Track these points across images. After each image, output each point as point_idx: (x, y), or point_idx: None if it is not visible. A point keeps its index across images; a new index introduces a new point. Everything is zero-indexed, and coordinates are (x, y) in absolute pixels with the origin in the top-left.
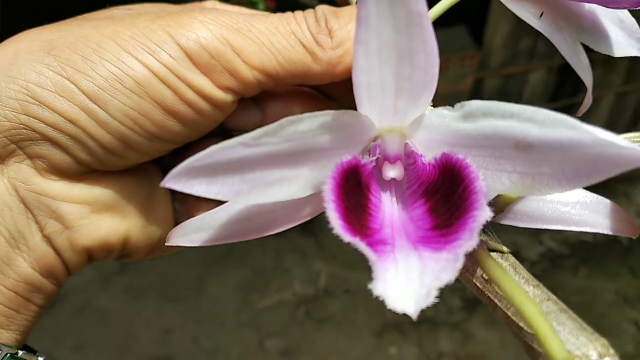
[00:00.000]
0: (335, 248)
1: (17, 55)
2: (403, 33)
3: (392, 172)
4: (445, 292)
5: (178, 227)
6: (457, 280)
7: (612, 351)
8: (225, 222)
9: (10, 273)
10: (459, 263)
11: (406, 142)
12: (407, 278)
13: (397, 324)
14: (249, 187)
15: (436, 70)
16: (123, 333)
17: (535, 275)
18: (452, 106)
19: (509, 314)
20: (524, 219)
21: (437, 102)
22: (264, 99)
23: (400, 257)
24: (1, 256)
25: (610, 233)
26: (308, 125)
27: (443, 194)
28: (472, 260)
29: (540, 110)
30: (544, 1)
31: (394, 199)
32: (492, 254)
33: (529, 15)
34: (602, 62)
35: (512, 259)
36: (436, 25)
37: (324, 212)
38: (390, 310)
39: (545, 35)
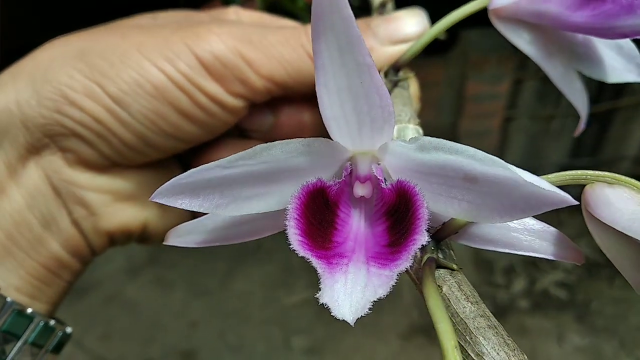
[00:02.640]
0: None
1: (52, 60)
2: (354, 78)
3: (361, 190)
4: None
5: (173, 229)
6: (487, 286)
7: None
8: (213, 228)
9: (43, 251)
10: (393, 281)
11: (374, 166)
12: (352, 290)
13: (424, 327)
14: (227, 201)
15: (391, 109)
16: (150, 324)
17: (569, 285)
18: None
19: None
20: (476, 240)
21: (473, 101)
22: (276, 103)
23: (352, 270)
24: (36, 236)
25: (556, 259)
26: (281, 150)
27: (398, 216)
28: (422, 277)
29: (478, 151)
30: (537, 28)
31: (362, 215)
32: (442, 269)
33: (519, 41)
34: None
35: (460, 276)
36: (473, 24)
37: None
38: (417, 313)
39: (535, 61)
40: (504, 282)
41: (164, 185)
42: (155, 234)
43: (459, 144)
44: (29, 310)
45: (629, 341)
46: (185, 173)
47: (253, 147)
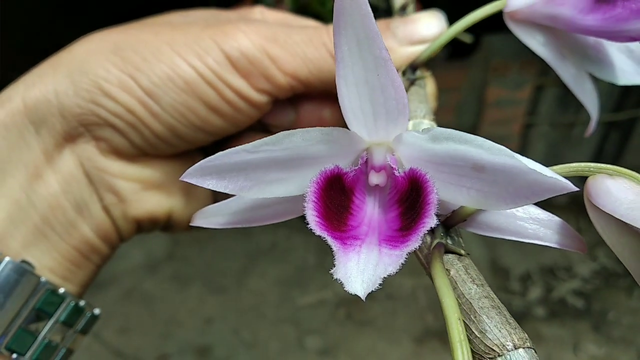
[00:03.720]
0: None
1: (89, 54)
2: (372, 71)
3: (376, 179)
4: None
5: (199, 211)
6: (503, 293)
7: (527, 344)
8: (236, 211)
9: (75, 235)
10: (403, 259)
11: (389, 155)
12: (364, 268)
13: (437, 331)
14: (251, 184)
15: (405, 101)
16: (166, 319)
17: (586, 294)
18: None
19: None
20: (483, 228)
21: (493, 107)
22: (298, 100)
23: (365, 251)
24: (69, 221)
25: (559, 247)
26: (302, 137)
27: (410, 202)
28: (431, 259)
29: (486, 141)
30: (550, 30)
31: (377, 203)
32: (450, 255)
33: (533, 42)
34: None
35: (467, 260)
36: (495, 29)
37: None
38: (432, 317)
39: (548, 63)
40: (520, 290)
41: (193, 166)
42: (179, 223)
43: (468, 134)
44: (61, 290)
45: None
46: (213, 156)
47: (276, 134)
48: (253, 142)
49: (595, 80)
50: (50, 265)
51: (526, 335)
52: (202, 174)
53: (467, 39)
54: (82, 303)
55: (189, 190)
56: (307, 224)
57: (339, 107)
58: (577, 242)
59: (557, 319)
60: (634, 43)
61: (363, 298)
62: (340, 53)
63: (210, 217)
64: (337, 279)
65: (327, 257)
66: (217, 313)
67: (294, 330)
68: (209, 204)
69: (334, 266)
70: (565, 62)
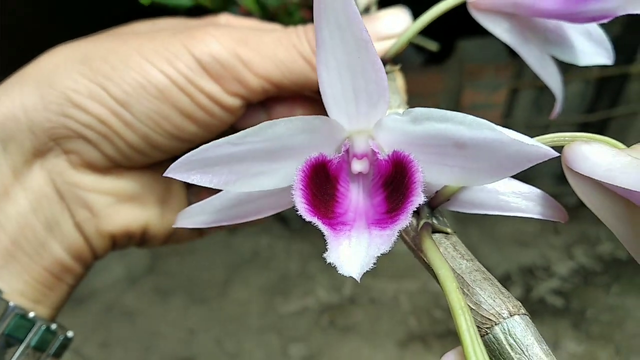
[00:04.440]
0: None
1: (57, 66)
2: (353, 55)
3: (359, 167)
4: None
5: (183, 211)
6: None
7: (522, 310)
8: (220, 208)
9: (46, 255)
10: (394, 238)
11: (370, 141)
12: (356, 250)
13: (421, 335)
14: (236, 177)
15: (385, 84)
16: (149, 332)
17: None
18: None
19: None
20: (467, 206)
21: (469, 110)
22: (270, 103)
23: (355, 234)
24: (40, 240)
25: (542, 218)
26: (284, 127)
27: (395, 185)
28: (419, 239)
29: (467, 116)
30: (513, 17)
31: (361, 189)
32: (437, 234)
33: (497, 29)
34: (639, 75)
35: (454, 238)
36: (469, 34)
37: None
38: (414, 321)
39: (513, 48)
40: None
41: (176, 161)
42: (155, 236)
43: (449, 112)
44: (31, 315)
45: (625, 348)
46: (196, 149)
47: (259, 124)
48: (236, 134)
49: (562, 68)
50: (20, 288)
51: (519, 303)
52: (186, 169)
53: (433, 47)
54: (53, 326)
55: (165, 202)
56: (290, 227)
57: (310, 107)
58: (558, 212)
59: (537, 318)
60: (592, 25)
61: (358, 279)
62: (321, 38)
63: (193, 217)
64: (330, 262)
65: (308, 264)
66: (200, 324)
67: (278, 338)
68: None
69: (327, 250)
70: (530, 46)
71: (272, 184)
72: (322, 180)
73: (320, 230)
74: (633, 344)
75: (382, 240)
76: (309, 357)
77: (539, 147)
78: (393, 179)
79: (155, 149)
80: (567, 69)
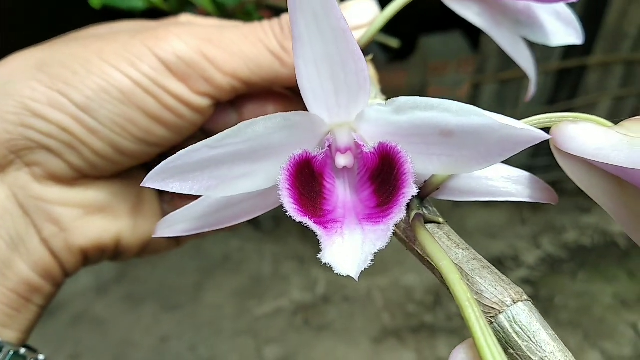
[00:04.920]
0: None
1: (12, 74)
2: (331, 45)
3: (343, 161)
4: (443, 299)
5: (162, 220)
6: None
7: (525, 297)
8: (202, 214)
9: (11, 275)
10: (390, 232)
11: (353, 134)
12: (351, 247)
13: (395, 330)
14: (217, 182)
15: (366, 74)
16: (120, 341)
17: (533, 281)
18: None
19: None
20: (456, 194)
21: None
22: (240, 101)
23: (347, 232)
24: (3, 260)
25: (532, 201)
26: (263, 126)
27: (384, 177)
28: (412, 230)
29: (453, 102)
30: (484, 0)
31: (347, 184)
32: (429, 224)
33: (469, 13)
34: (599, 66)
35: (447, 228)
36: (432, 30)
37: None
38: (387, 316)
39: (485, 31)
40: None
41: (153, 169)
42: (129, 248)
43: (434, 99)
44: None
45: (593, 333)
46: (174, 156)
47: (238, 125)
48: (214, 137)
49: (531, 45)
50: None
51: (521, 290)
52: (163, 177)
53: (394, 43)
54: (22, 351)
55: (137, 211)
56: (262, 229)
57: (283, 104)
58: (548, 194)
59: None
60: (560, 5)
61: (356, 278)
62: (297, 30)
63: (174, 225)
64: (326, 262)
65: (281, 265)
66: (173, 331)
67: (253, 341)
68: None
69: (321, 251)
70: (501, 29)
71: (255, 185)
72: (308, 178)
73: (293, 232)
74: (600, 329)
75: (376, 236)
76: (284, 358)
77: (530, 130)
78: (380, 172)
79: (123, 156)
80: None
